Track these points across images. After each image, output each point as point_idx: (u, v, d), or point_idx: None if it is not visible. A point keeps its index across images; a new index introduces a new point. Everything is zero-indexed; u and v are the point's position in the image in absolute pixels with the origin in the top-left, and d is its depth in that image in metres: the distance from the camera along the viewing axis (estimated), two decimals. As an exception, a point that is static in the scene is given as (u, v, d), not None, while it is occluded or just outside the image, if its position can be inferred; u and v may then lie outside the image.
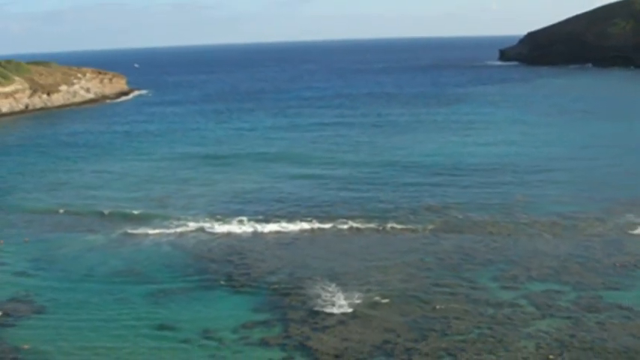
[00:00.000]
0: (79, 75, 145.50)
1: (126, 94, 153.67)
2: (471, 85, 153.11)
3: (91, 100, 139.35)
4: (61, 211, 51.91)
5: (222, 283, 36.03)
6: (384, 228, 44.55)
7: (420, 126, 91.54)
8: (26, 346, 29.37)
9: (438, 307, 31.92)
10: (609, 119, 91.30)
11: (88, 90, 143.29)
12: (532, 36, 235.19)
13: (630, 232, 42.21)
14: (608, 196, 50.31)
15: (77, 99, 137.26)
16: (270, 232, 44.62)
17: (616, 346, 27.56)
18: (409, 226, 44.67)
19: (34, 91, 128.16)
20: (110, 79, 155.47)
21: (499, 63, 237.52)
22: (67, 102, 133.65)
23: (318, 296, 33.35)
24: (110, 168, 68.61)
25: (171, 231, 45.42)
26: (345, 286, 34.47)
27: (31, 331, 30.99)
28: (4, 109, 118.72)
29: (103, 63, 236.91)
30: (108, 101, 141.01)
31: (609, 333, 28.74)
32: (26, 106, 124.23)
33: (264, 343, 28.95)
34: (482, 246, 40.61)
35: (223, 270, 37.90)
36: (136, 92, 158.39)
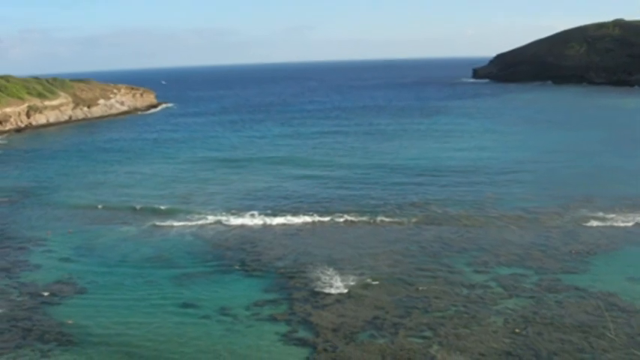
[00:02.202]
0: (115, 90, 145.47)
1: (155, 106, 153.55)
2: (449, 100, 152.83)
3: (125, 112, 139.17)
4: (100, 206, 51.91)
5: (236, 267, 36.04)
6: (374, 221, 44.53)
7: (405, 134, 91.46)
8: (70, 321, 29.45)
9: (420, 288, 31.94)
10: (567, 128, 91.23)
11: (122, 103, 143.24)
12: (501, 57, 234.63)
13: (584, 224, 42.21)
14: (566, 194, 50.31)
15: (113, 111, 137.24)
16: (278, 225, 44.59)
17: (572, 321, 27.58)
18: (396, 219, 44.65)
19: (76, 105, 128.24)
20: (141, 94, 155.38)
21: (472, 80, 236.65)
22: (105, 113, 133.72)
23: (318, 279, 33.38)
24: (141, 170, 68.60)
25: (193, 223, 45.42)
26: (341, 270, 34.50)
27: (74, 309, 31.07)
28: (51, 120, 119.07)
29: (135, 80, 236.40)
30: (139, 113, 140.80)
31: (567, 310, 28.75)
32: (70, 117, 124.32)
33: (272, 319, 29.00)
34: (458, 236, 40.61)
35: (237, 256, 37.90)
36: (164, 105, 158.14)
